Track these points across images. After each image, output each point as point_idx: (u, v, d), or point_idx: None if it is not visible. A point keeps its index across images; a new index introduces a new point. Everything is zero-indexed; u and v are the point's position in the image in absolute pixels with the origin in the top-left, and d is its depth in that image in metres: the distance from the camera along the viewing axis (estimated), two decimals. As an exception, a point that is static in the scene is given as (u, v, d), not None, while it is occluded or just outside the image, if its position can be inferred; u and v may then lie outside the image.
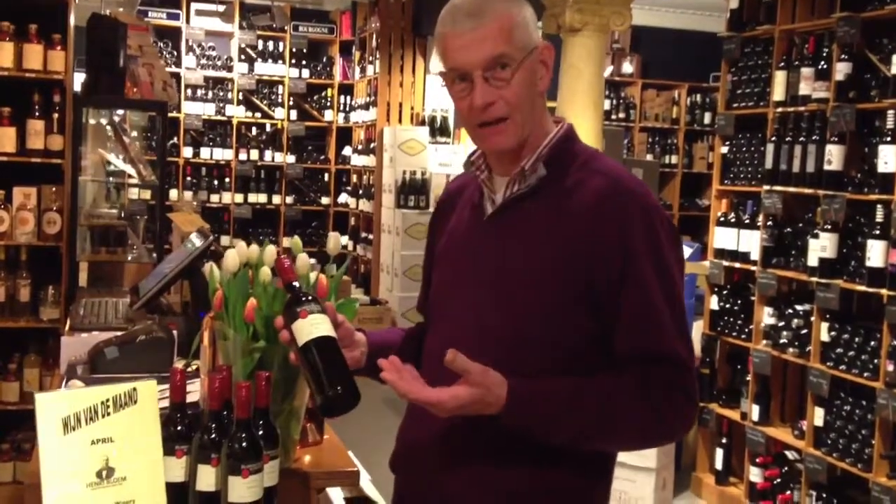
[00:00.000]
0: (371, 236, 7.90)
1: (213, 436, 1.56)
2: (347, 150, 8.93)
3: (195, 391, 1.85)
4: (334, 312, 1.54)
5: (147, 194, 5.60)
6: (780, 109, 4.18)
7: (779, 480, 4.06)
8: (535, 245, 1.46)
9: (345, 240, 8.45)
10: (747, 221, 4.32)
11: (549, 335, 1.43)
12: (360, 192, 8.31)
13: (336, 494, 1.92)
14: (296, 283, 1.56)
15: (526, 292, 1.41)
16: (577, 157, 1.51)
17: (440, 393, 1.40)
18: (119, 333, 2.28)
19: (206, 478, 1.56)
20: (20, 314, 4.10)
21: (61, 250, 4.11)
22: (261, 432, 1.58)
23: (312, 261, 1.88)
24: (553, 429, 1.44)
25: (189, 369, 2.10)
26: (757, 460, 4.14)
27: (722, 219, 4.51)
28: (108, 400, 1.54)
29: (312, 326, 1.47)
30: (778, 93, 4.16)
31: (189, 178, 8.62)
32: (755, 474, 4.14)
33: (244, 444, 1.53)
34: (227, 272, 1.70)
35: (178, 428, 1.60)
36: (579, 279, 1.41)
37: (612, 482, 1.58)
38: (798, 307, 4.06)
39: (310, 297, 1.52)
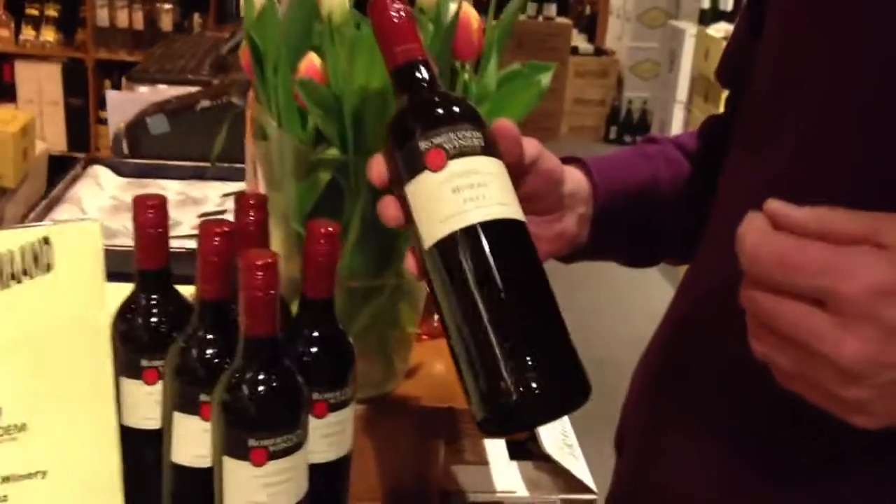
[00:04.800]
0: (602, -29, 6.63)
1: (209, 353, 0.72)
2: None
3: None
4: (516, 139, 0.61)
5: None
6: None
7: None
8: None
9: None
10: None
11: None
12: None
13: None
14: (420, 64, 0.61)
15: None
16: None
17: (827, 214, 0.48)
18: (181, 94, 1.45)
19: (189, 442, 0.73)
20: (162, 47, 3.39)
21: (209, -32, 3.31)
22: (313, 349, 0.73)
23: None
24: None
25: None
26: None
27: None
28: (-20, 264, 0.71)
29: (464, 197, 0.55)
30: None
31: None
32: None
33: (259, 388, 0.67)
34: (261, -7, 0.79)
35: (153, 323, 0.77)
36: None
37: None
38: None
39: (456, 108, 0.59)
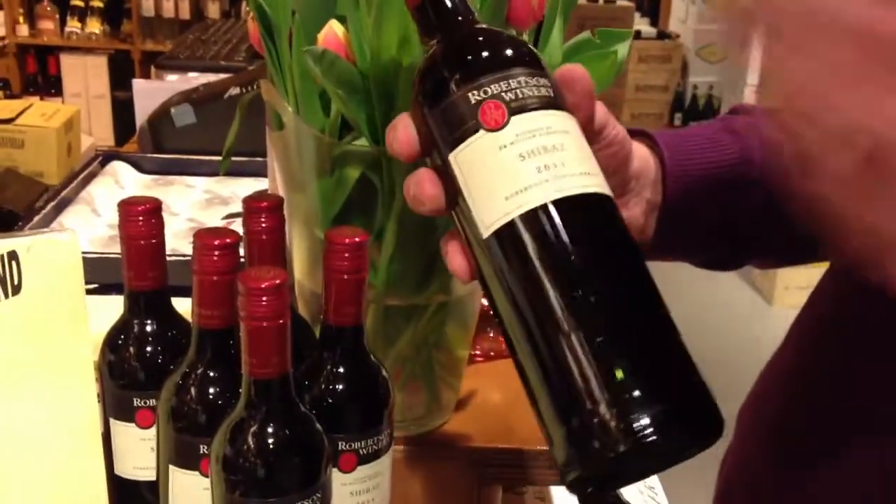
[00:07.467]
0: (664, -49, 6.40)
1: (211, 394, 0.59)
2: None
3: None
4: (589, 90, 0.46)
5: None
6: None
7: None
8: None
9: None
10: None
11: None
12: None
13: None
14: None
15: None
16: None
17: None
18: (211, 80, 1.32)
19: (186, 497, 0.60)
20: (210, 37, 3.29)
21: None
22: (338, 388, 0.59)
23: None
24: None
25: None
26: None
27: None
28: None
29: (536, 165, 0.41)
30: None
31: None
32: None
33: (266, 441, 0.54)
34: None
35: (147, 354, 0.64)
36: None
37: None
38: None
39: (509, 49, 0.44)
